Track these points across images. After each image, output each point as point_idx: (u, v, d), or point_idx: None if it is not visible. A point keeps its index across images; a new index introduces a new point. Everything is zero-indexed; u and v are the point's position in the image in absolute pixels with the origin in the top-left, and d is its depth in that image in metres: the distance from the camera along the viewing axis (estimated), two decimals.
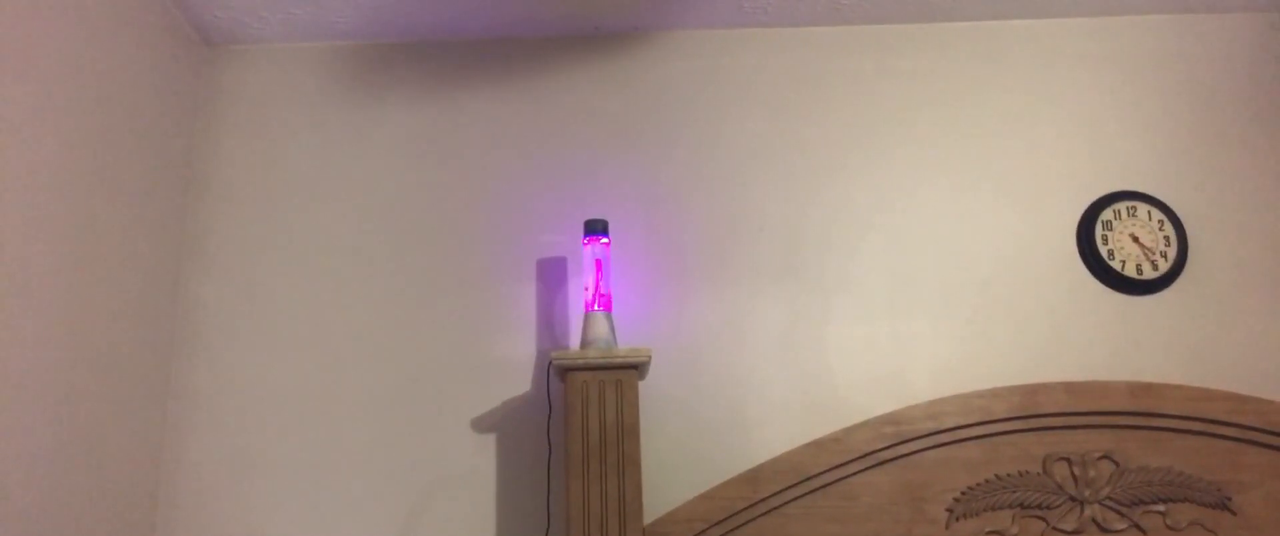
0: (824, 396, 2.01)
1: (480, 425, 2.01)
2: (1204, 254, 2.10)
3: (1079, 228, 2.12)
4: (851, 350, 2.05)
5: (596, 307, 1.90)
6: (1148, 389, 1.92)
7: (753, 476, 1.87)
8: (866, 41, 2.26)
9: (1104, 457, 1.88)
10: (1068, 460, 1.88)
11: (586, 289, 1.93)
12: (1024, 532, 1.84)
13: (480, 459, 1.99)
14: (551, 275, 2.09)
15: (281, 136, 2.20)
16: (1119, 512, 1.85)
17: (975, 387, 1.97)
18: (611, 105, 2.22)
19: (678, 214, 2.14)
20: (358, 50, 2.26)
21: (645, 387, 1.95)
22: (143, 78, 1.99)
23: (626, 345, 1.96)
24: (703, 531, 1.83)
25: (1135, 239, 2.09)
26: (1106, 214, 2.11)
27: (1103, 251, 2.08)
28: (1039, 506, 1.85)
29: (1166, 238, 2.09)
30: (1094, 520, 1.84)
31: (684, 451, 1.97)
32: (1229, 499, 1.86)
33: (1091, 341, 2.05)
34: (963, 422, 1.90)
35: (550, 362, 1.86)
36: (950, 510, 1.85)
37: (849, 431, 1.90)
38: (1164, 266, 2.08)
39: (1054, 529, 1.84)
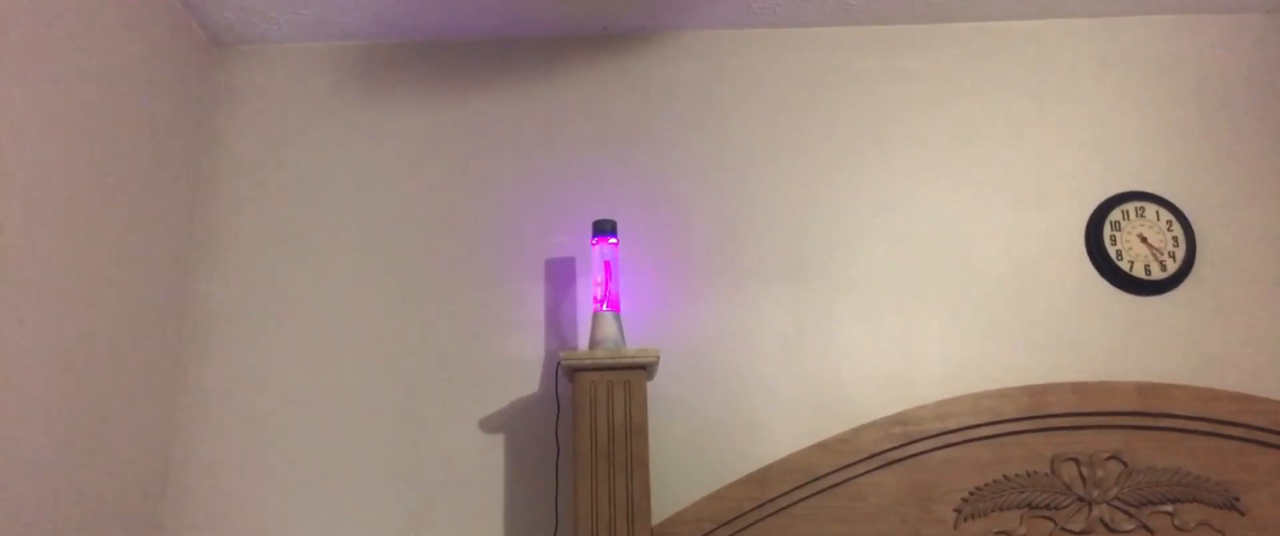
0: (832, 397, 2.01)
1: (488, 425, 2.01)
2: (1212, 254, 2.10)
3: (1087, 228, 2.12)
4: (859, 350, 2.05)
5: (604, 308, 1.90)
6: (1156, 389, 1.92)
7: (761, 477, 1.87)
8: (874, 42, 2.25)
9: (1112, 458, 1.88)
10: (1076, 460, 1.88)
11: (595, 289, 1.93)
12: (1032, 533, 1.84)
13: (488, 458, 1.99)
14: (560, 275, 2.09)
15: (290, 136, 2.20)
16: (1127, 513, 1.85)
17: (983, 388, 1.97)
18: (619, 105, 2.22)
19: (686, 214, 2.14)
20: (366, 50, 2.26)
21: (653, 388, 1.96)
22: (151, 78, 1.99)
23: (634, 345, 1.96)
24: (711, 532, 1.83)
25: (1144, 239, 2.09)
26: (1115, 214, 2.11)
27: (1111, 252, 2.08)
28: (1047, 507, 1.85)
29: (1175, 238, 2.09)
30: (1102, 520, 1.84)
31: (692, 452, 1.97)
32: (1237, 499, 1.86)
33: (1100, 342, 2.05)
34: (971, 423, 1.90)
35: (558, 363, 1.87)
36: (958, 510, 1.85)
37: (857, 432, 1.91)
38: (1172, 267, 2.07)
39: (1062, 529, 1.84)
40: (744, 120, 2.21)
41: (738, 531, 1.84)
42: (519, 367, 2.04)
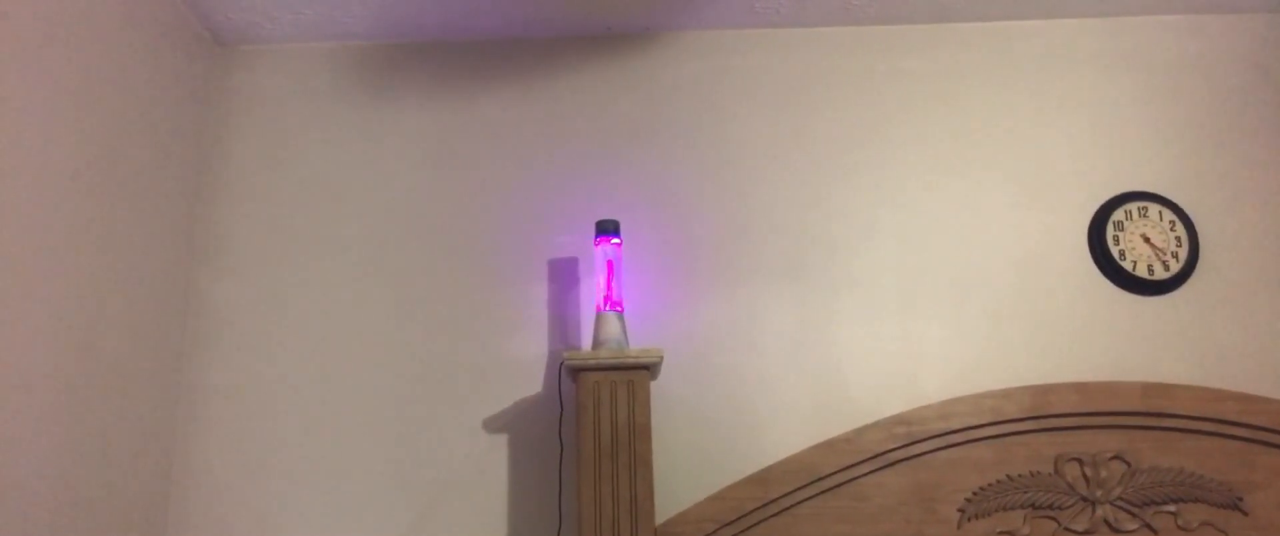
0: (835, 397, 2.01)
1: (492, 425, 2.01)
2: (1215, 254, 2.10)
3: (1090, 228, 2.12)
4: (862, 350, 2.05)
5: (608, 308, 1.90)
6: (1159, 389, 1.92)
7: (764, 477, 1.87)
8: (877, 42, 2.25)
9: (1115, 458, 1.88)
10: (1079, 460, 1.88)
11: (598, 289, 1.93)
12: (1035, 533, 1.84)
13: (492, 459, 1.99)
14: (563, 275, 2.09)
15: (293, 136, 2.20)
16: (1130, 513, 1.85)
17: (986, 388, 1.97)
18: (622, 105, 2.22)
19: (689, 214, 2.14)
20: (369, 50, 2.26)
21: (656, 388, 1.95)
22: (154, 78, 1.99)
23: (638, 345, 1.96)
24: (714, 532, 1.83)
25: (1146, 239, 2.09)
26: (1118, 214, 2.11)
27: (1114, 252, 2.08)
28: (1050, 507, 1.85)
29: (1178, 238, 2.09)
30: (1105, 520, 1.84)
31: (695, 452, 1.97)
32: (1240, 499, 1.86)
33: (1103, 342, 2.05)
34: (974, 423, 1.90)
35: (562, 363, 1.87)
36: (962, 510, 1.86)
37: (860, 431, 1.91)
38: (1175, 267, 2.07)
39: (1065, 529, 1.84)
40: (747, 120, 2.21)
41: (741, 531, 1.84)
42: (522, 368, 2.04)
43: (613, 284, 1.92)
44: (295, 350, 2.06)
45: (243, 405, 2.03)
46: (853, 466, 1.88)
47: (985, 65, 2.24)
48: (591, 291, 2.04)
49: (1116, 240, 2.09)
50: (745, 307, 2.08)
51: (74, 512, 1.67)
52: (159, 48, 2.01)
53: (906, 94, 2.22)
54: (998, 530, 1.84)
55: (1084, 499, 1.86)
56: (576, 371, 1.84)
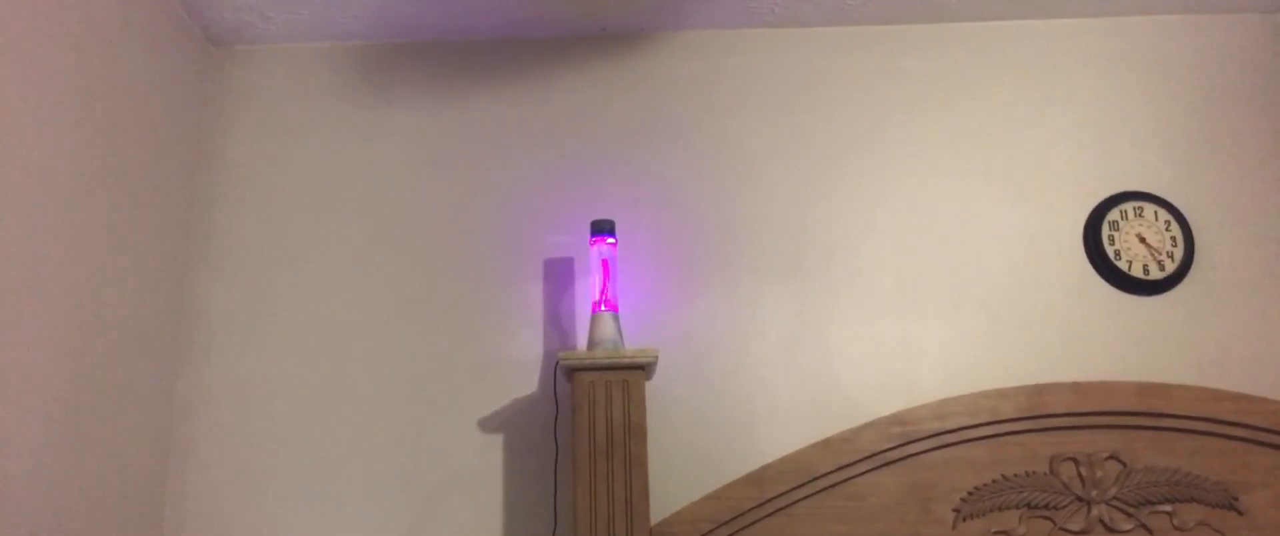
0: (830, 396, 2.01)
1: (487, 425, 2.01)
2: (1210, 254, 2.10)
3: (1086, 228, 2.12)
4: (858, 350, 2.05)
5: (603, 308, 1.90)
6: (1155, 389, 1.92)
7: (759, 476, 1.87)
8: (873, 42, 2.25)
9: (1111, 458, 1.88)
10: (1075, 460, 1.88)
11: (594, 288, 1.93)
12: (1031, 533, 1.84)
13: (487, 459, 1.99)
14: (558, 275, 2.09)
15: (288, 137, 2.20)
16: (1126, 513, 1.85)
17: (982, 388, 1.97)
18: (618, 105, 2.22)
19: (684, 214, 2.14)
20: (364, 50, 2.26)
21: (652, 388, 1.95)
22: (149, 78, 1.99)
23: (633, 345, 1.96)
24: (709, 531, 1.83)
25: (1142, 239, 2.09)
26: (1113, 214, 2.11)
27: (1109, 252, 2.08)
28: (1046, 506, 1.85)
29: (1173, 238, 2.09)
30: (1101, 520, 1.84)
31: (691, 451, 1.97)
32: (1236, 499, 1.86)
33: (1098, 342, 2.05)
34: (970, 423, 1.90)
35: (557, 363, 1.87)
36: (957, 510, 1.85)
37: (856, 431, 1.91)
38: (1171, 267, 2.07)
39: (1061, 529, 1.84)
40: (742, 120, 2.21)
41: (736, 531, 1.84)
42: (518, 368, 2.04)
43: (608, 284, 1.92)
44: (291, 350, 2.06)
45: (238, 406, 2.03)
46: (848, 466, 1.88)
47: (981, 65, 2.24)
48: (587, 291, 2.03)
49: (1112, 240, 2.09)
50: (741, 307, 2.07)
51: (70, 514, 1.67)
52: (154, 48, 2.01)
53: (902, 94, 2.22)
54: (993, 530, 1.84)
55: (1079, 498, 1.86)
56: (571, 371, 1.84)
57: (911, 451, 1.89)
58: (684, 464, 1.95)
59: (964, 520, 1.85)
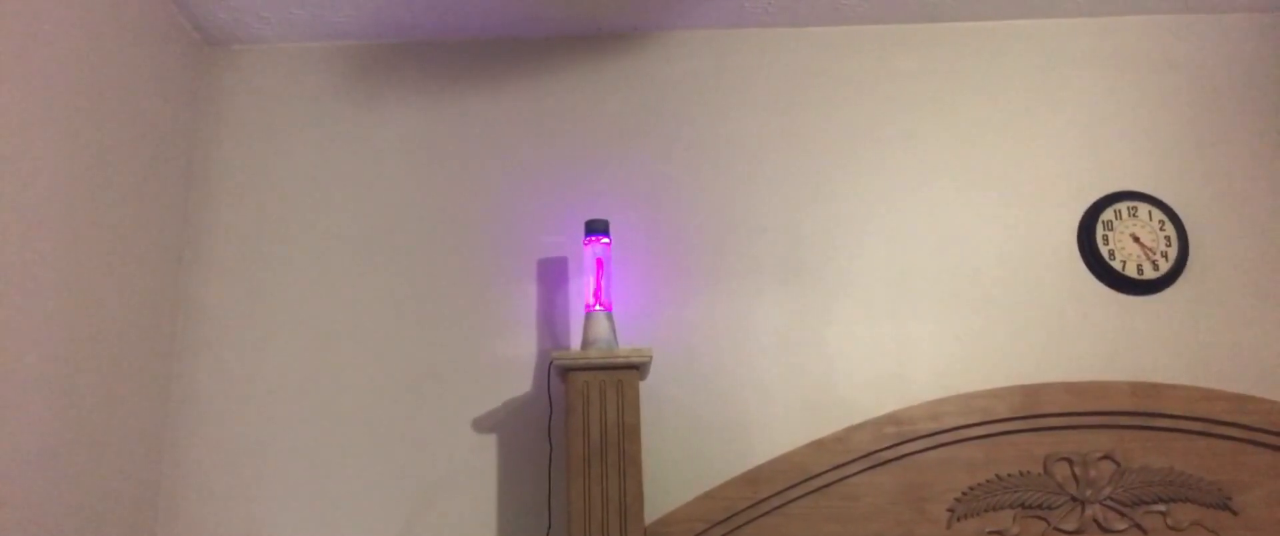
0: (825, 396, 2.01)
1: (481, 425, 2.01)
2: (1205, 254, 2.10)
3: (1080, 228, 2.12)
4: (852, 350, 2.05)
5: (597, 308, 1.90)
6: (1149, 389, 1.92)
7: (754, 476, 1.87)
8: (867, 42, 2.26)
9: (1105, 458, 1.88)
10: (1069, 460, 1.88)
11: (588, 288, 1.93)
12: (1025, 532, 1.84)
13: (481, 459, 1.99)
14: (552, 275, 2.09)
15: (283, 136, 2.20)
16: (1120, 513, 1.85)
17: (976, 387, 1.97)
18: (613, 105, 2.22)
19: (679, 214, 2.14)
20: (359, 50, 2.26)
21: (646, 387, 1.95)
22: (144, 77, 1.99)
23: (627, 345, 1.96)
24: (704, 531, 1.83)
25: (1136, 239, 2.09)
26: (1107, 214, 2.11)
27: (1104, 251, 2.08)
28: (1040, 506, 1.85)
29: (1167, 238, 2.09)
30: (1095, 520, 1.84)
31: (685, 451, 1.97)
32: (1230, 499, 1.86)
33: (1092, 341, 2.05)
34: (964, 422, 1.90)
35: (551, 363, 1.86)
36: (951, 510, 1.85)
37: (850, 431, 1.90)
38: (1165, 266, 2.08)
39: (1055, 529, 1.84)
40: (737, 120, 2.21)
41: (731, 531, 1.84)
42: (512, 367, 2.04)
43: (602, 283, 1.92)
44: (284, 350, 2.06)
45: (231, 404, 2.03)
46: (843, 466, 1.88)
47: (975, 65, 2.24)
48: (581, 291, 2.03)
49: (1106, 240, 2.09)
50: (735, 307, 2.07)
51: (63, 511, 1.67)
52: (149, 48, 2.01)
53: (897, 94, 2.22)
54: (987, 530, 1.84)
55: (1074, 498, 1.86)
56: (565, 371, 1.84)
57: (906, 451, 1.89)
58: (678, 463, 1.95)
59: (958, 520, 1.85)
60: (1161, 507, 1.85)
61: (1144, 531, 1.84)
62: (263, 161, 2.18)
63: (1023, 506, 1.85)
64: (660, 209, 2.14)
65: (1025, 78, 2.23)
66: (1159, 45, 2.25)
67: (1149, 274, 2.07)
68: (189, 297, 2.10)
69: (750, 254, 2.11)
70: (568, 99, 2.22)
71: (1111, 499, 1.86)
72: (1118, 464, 1.87)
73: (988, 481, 1.87)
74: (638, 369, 1.84)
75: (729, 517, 1.84)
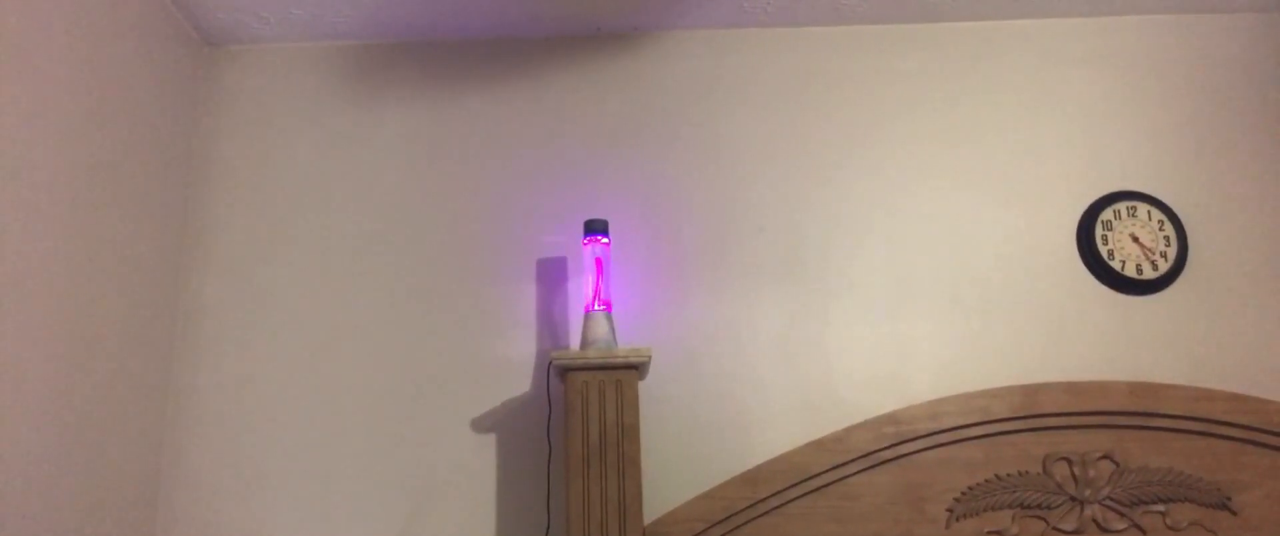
0: (824, 396, 2.01)
1: (480, 425, 2.01)
2: (1204, 254, 2.10)
3: (1079, 228, 2.12)
4: (852, 350, 2.05)
5: (596, 308, 1.90)
6: (1148, 389, 1.92)
7: (753, 476, 1.87)
8: (866, 42, 2.26)
9: (1104, 457, 1.88)
10: (1068, 460, 1.88)
11: (587, 288, 1.93)
12: (1024, 532, 1.84)
13: (480, 459, 1.99)
14: (551, 275, 2.09)
15: (282, 136, 2.20)
16: (1119, 512, 1.85)
17: (975, 387, 1.97)
18: (612, 105, 2.22)
19: (678, 214, 2.14)
20: (358, 50, 2.26)
21: (645, 387, 1.95)
22: (143, 78, 1.99)
23: (626, 345, 1.96)
24: (703, 531, 1.83)
25: (1135, 239, 2.09)
26: (1106, 214, 2.11)
27: (1103, 251, 2.08)
28: (1039, 506, 1.85)
29: (1166, 238, 2.09)
30: (1094, 520, 1.84)
31: (684, 451, 1.97)
32: (1229, 499, 1.86)
33: (1091, 341, 2.05)
34: (963, 422, 1.90)
35: (550, 363, 1.86)
36: (950, 510, 1.85)
37: (849, 431, 1.90)
38: (1164, 266, 2.08)
39: (1054, 529, 1.84)
40: (736, 120, 2.21)
41: (730, 531, 1.84)
42: (511, 367, 2.04)
43: (601, 283, 1.92)
44: (284, 350, 2.06)
45: (231, 405, 2.03)
46: (842, 466, 1.88)
47: (974, 65, 2.24)
48: (580, 291, 2.04)
49: (1105, 240, 2.09)
50: (734, 306, 2.07)
51: (62, 512, 1.67)
52: (148, 48, 2.01)
53: (895, 93, 2.22)
54: (986, 529, 1.84)
55: (1072, 498, 1.86)
56: (565, 371, 1.84)
57: (905, 451, 1.89)
58: (677, 463, 1.95)
59: (957, 520, 1.85)
60: (1160, 507, 1.85)
61: (1143, 531, 1.84)
62: (262, 161, 2.19)
63: (1022, 506, 1.85)
64: (659, 209, 2.14)
65: (1024, 77, 2.23)
66: (1159, 45, 2.25)
67: (1148, 274, 2.07)
68: (188, 297, 2.10)
69: (750, 254, 2.11)
70: (567, 99, 2.22)
71: (1110, 499, 1.86)
72: (1117, 464, 1.87)
73: (987, 481, 1.87)
74: (637, 369, 1.84)
75: (728, 517, 1.84)
